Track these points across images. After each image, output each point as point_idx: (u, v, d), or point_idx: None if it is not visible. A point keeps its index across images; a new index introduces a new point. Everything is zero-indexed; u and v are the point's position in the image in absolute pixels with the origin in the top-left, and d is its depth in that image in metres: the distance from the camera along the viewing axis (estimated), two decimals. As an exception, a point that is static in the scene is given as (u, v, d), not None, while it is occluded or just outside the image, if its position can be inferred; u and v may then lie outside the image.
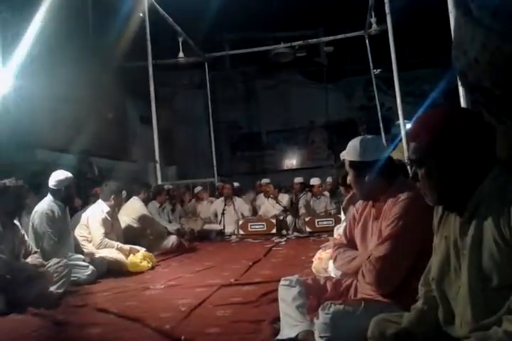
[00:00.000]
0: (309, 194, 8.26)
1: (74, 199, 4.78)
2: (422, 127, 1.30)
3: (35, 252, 3.80)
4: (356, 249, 2.17)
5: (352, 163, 2.07)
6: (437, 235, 1.38)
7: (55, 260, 3.81)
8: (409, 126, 6.47)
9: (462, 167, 1.22)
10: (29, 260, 3.62)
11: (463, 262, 1.23)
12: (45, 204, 4.36)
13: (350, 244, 2.21)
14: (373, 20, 8.31)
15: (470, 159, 1.20)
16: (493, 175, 1.18)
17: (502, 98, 0.37)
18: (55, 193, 4.40)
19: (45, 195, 4.48)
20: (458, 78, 0.41)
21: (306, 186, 8.43)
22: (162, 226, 6.47)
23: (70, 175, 4.49)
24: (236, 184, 9.04)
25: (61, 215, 4.42)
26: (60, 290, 3.64)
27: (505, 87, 0.36)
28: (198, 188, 8.92)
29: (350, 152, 2.08)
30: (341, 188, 3.37)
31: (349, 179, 2.12)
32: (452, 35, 0.41)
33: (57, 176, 4.44)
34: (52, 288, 3.57)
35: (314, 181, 8.33)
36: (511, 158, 0.39)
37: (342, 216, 3.74)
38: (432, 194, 1.29)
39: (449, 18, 3.87)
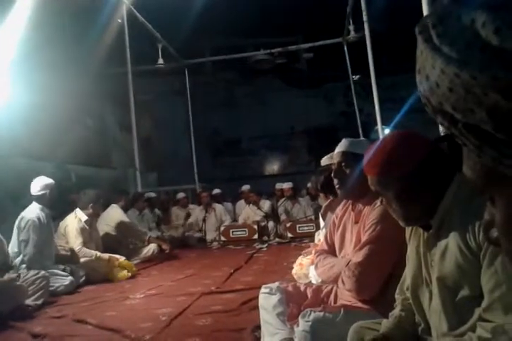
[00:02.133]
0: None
1: (56, 203, 4.75)
2: (370, 162, 1.32)
3: (13, 266, 3.74)
4: (336, 255, 2.18)
5: (337, 154, 2.09)
6: (409, 245, 1.41)
7: (32, 272, 3.75)
8: (387, 131, 6.56)
9: (417, 191, 1.24)
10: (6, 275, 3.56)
11: (432, 274, 1.26)
12: (32, 211, 4.35)
13: (331, 250, 2.22)
14: (351, 27, 8.42)
15: (423, 183, 1.24)
16: (454, 189, 1.22)
17: (462, 122, 0.38)
18: (39, 199, 4.41)
19: (24, 204, 4.43)
20: (422, 101, 0.42)
21: (285, 191, 8.45)
22: (143, 233, 6.38)
23: (51, 180, 4.54)
24: (217, 190, 9.01)
25: (47, 223, 4.42)
26: (39, 302, 3.59)
27: (464, 112, 0.37)
28: (181, 194, 8.87)
29: (337, 147, 2.12)
30: (320, 195, 3.38)
31: (333, 174, 2.12)
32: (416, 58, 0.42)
33: (39, 181, 4.47)
34: (29, 300, 3.51)
35: (281, 186, 8.40)
36: (473, 178, 0.40)
37: (321, 222, 3.76)
38: (397, 218, 1.32)
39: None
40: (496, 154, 0.37)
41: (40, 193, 4.41)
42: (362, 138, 2.24)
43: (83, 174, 7.57)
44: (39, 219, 4.31)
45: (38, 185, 4.44)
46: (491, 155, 0.38)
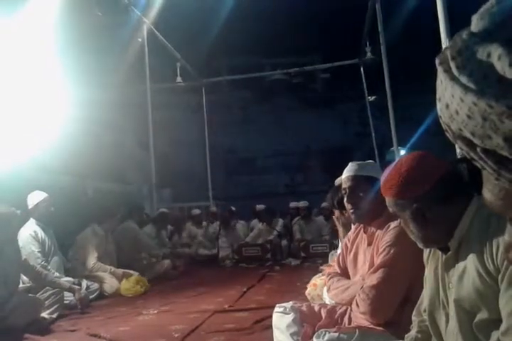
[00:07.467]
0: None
1: (53, 216, 4.66)
2: (386, 183, 1.33)
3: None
4: (349, 278, 2.17)
5: (347, 178, 2.10)
6: (427, 267, 1.41)
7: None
8: (403, 152, 6.56)
9: (434, 213, 1.25)
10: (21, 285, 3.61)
11: (450, 296, 1.26)
12: (26, 227, 4.38)
13: (343, 273, 2.22)
14: (368, 49, 8.51)
15: (439, 204, 1.25)
16: (472, 210, 1.22)
17: (480, 147, 0.41)
18: (31, 213, 4.44)
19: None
20: (443, 127, 0.45)
21: (299, 210, 8.42)
22: (157, 250, 6.41)
23: (44, 193, 4.54)
24: (231, 207, 8.99)
25: (45, 236, 4.43)
26: (54, 316, 3.61)
27: (482, 137, 0.40)
28: (196, 211, 8.88)
29: (346, 171, 2.13)
30: (336, 212, 3.37)
31: (345, 199, 2.13)
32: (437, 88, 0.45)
33: (32, 196, 4.50)
34: (45, 314, 3.54)
35: (296, 204, 8.37)
36: (492, 200, 0.43)
37: (340, 243, 3.75)
38: (415, 240, 1.33)
39: (442, 47, 4.00)
40: None
41: (30, 207, 4.45)
42: (372, 159, 2.25)
43: (100, 189, 7.65)
44: (35, 232, 4.34)
45: (28, 199, 4.48)
46: (509, 179, 0.40)
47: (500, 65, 0.38)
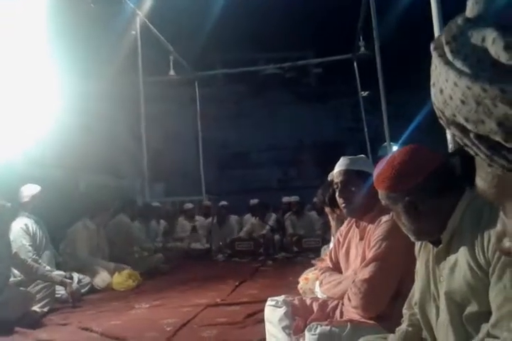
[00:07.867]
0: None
1: (45, 209, 4.68)
2: (379, 176, 1.33)
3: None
4: (342, 273, 2.18)
5: (339, 173, 2.10)
6: (418, 260, 1.41)
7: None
8: (395, 148, 6.58)
9: (426, 206, 1.26)
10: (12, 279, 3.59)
11: (440, 289, 1.26)
12: (18, 220, 4.35)
13: (335, 267, 2.23)
14: (361, 43, 8.48)
15: (431, 197, 1.25)
16: (464, 204, 1.23)
17: (473, 132, 0.41)
18: (24, 206, 4.43)
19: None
20: (436, 114, 0.44)
21: (291, 205, 8.44)
22: (149, 244, 6.42)
23: (35, 187, 4.53)
24: (223, 202, 9.00)
25: (36, 229, 4.42)
26: (45, 309, 3.60)
27: (475, 122, 0.40)
28: (188, 205, 8.87)
29: (337, 165, 2.13)
30: (327, 209, 3.38)
31: (337, 193, 2.13)
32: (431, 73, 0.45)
33: (24, 189, 4.49)
34: (36, 307, 3.53)
35: (289, 199, 8.38)
36: (485, 188, 0.43)
37: (332, 238, 3.76)
38: (407, 232, 1.33)
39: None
40: (505, 163, 0.40)
41: (23, 201, 4.44)
42: (364, 154, 2.24)
43: (93, 182, 7.62)
44: (26, 225, 4.33)
45: (22, 193, 4.48)
46: (501, 164, 0.40)
47: (494, 49, 0.38)
